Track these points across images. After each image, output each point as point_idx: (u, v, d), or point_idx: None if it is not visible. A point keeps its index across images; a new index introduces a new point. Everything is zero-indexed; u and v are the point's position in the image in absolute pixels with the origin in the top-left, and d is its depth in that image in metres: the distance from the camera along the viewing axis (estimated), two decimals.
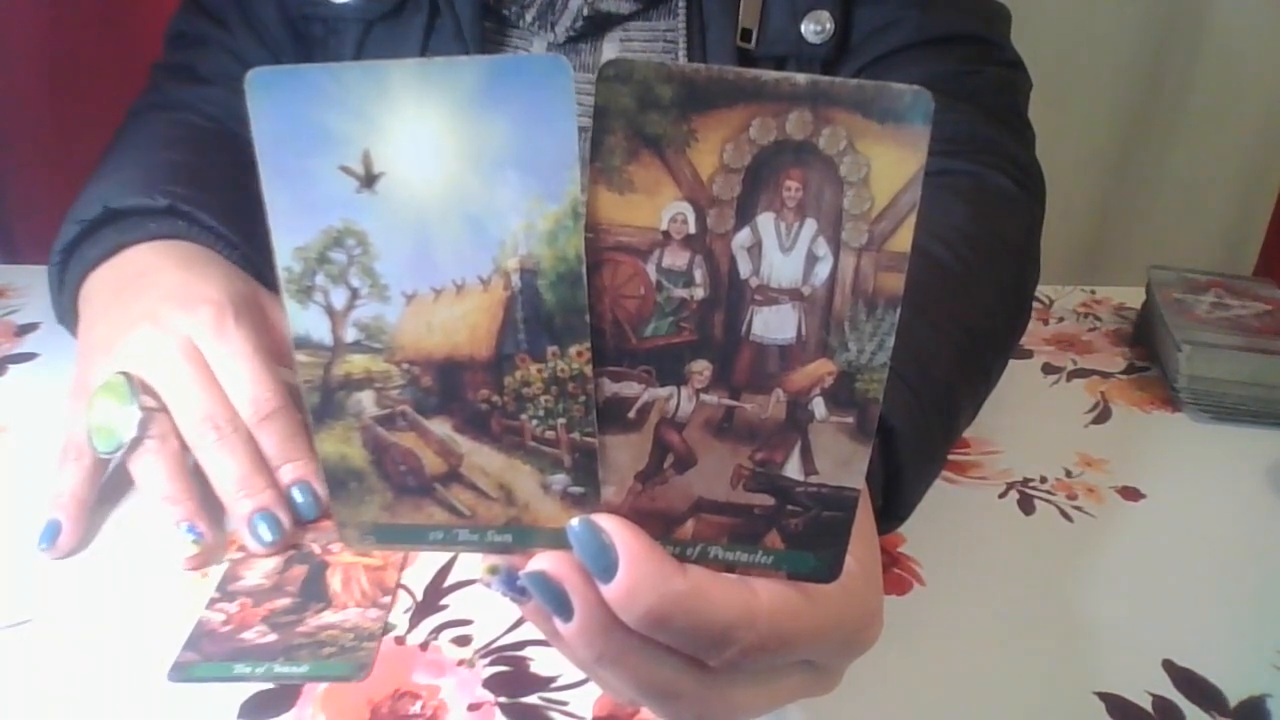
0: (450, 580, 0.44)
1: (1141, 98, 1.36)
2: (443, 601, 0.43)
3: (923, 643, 0.41)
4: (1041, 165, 0.63)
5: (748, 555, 0.26)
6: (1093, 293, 0.79)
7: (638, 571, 0.25)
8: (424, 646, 0.40)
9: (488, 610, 0.42)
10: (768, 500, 0.26)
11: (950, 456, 0.54)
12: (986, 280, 0.51)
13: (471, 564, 0.45)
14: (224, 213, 0.54)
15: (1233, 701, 0.39)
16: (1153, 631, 0.43)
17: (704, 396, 0.24)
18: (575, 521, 0.25)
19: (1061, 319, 0.74)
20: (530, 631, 0.41)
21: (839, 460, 0.25)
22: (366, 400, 0.25)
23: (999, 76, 0.63)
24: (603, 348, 0.24)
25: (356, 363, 0.24)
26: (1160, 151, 1.39)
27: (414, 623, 0.42)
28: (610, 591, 0.25)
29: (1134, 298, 0.74)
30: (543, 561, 0.26)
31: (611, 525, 0.25)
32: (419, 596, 0.43)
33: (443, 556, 0.45)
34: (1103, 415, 0.61)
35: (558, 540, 0.26)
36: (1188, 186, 1.40)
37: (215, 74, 0.65)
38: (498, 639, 0.41)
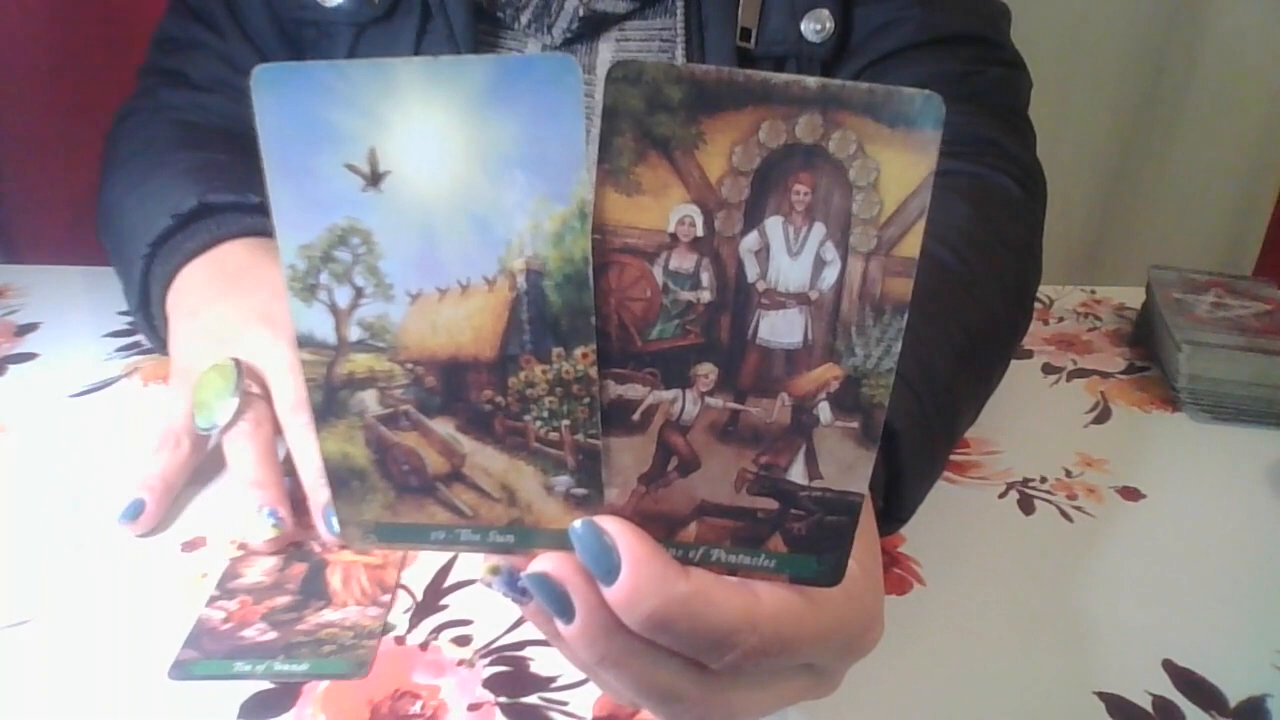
0: (450, 580, 0.44)
1: (1141, 98, 1.36)
2: (443, 601, 0.43)
3: (923, 643, 0.41)
4: (1042, 165, 0.63)
5: (750, 559, 0.26)
6: (1093, 293, 0.79)
7: (640, 574, 0.25)
8: (424, 646, 0.40)
9: (488, 610, 0.42)
10: (771, 504, 0.26)
11: (951, 456, 0.54)
12: (988, 281, 0.51)
13: (472, 564, 0.45)
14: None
15: (1233, 701, 0.39)
16: (1153, 631, 0.43)
17: (709, 400, 0.24)
18: (578, 523, 0.25)
19: (1061, 319, 0.74)
20: (530, 631, 0.41)
21: (843, 465, 0.25)
22: (370, 399, 0.25)
23: (1000, 76, 0.63)
24: (608, 350, 0.24)
25: (360, 362, 0.24)
26: (1160, 151, 1.39)
27: (414, 623, 0.41)
28: (612, 594, 0.25)
29: (1134, 298, 0.75)
30: (545, 563, 0.26)
31: (614, 527, 0.25)
32: (419, 596, 0.43)
33: (443, 556, 0.45)
34: (1103, 415, 0.61)
35: (560, 542, 0.26)
36: (1188, 186, 1.40)
37: (209, 80, 0.65)
38: (498, 639, 0.41)
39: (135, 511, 0.46)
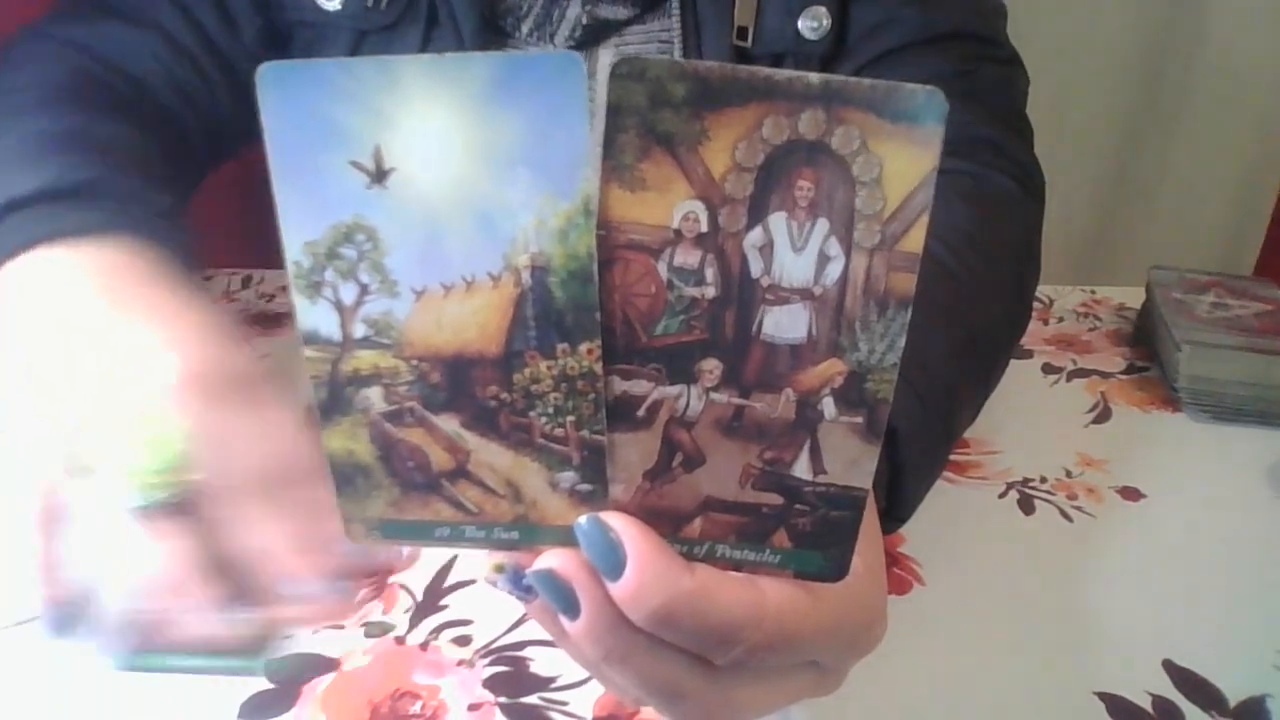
0: (450, 580, 0.44)
1: (1141, 98, 1.36)
2: (443, 601, 0.43)
3: (923, 643, 0.41)
4: (1041, 165, 0.63)
5: (755, 554, 0.26)
6: (1093, 293, 0.79)
7: (646, 570, 0.25)
8: (424, 646, 0.40)
9: (488, 610, 0.42)
10: (776, 499, 0.26)
11: (951, 457, 0.54)
12: (988, 282, 0.51)
13: (472, 564, 0.45)
14: (133, 186, 0.46)
15: (1233, 701, 0.39)
16: (1153, 631, 0.43)
17: (714, 395, 0.24)
18: (583, 519, 0.25)
19: (1061, 319, 0.74)
20: (530, 631, 0.41)
21: (848, 460, 0.25)
22: (374, 396, 0.25)
23: (997, 74, 0.63)
24: (613, 345, 0.24)
25: (365, 359, 0.24)
26: (1160, 151, 1.39)
27: (414, 623, 0.41)
28: (618, 590, 0.25)
29: (1134, 298, 0.75)
30: (550, 559, 0.26)
31: (620, 523, 0.25)
32: (419, 596, 0.43)
33: (443, 556, 0.45)
34: (1103, 415, 0.61)
35: (565, 538, 0.26)
36: (1188, 186, 1.40)
37: (142, 14, 0.57)
38: (498, 639, 0.41)
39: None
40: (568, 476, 0.25)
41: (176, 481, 0.35)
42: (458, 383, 0.24)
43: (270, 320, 0.69)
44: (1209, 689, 0.40)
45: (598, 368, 0.24)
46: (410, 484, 0.26)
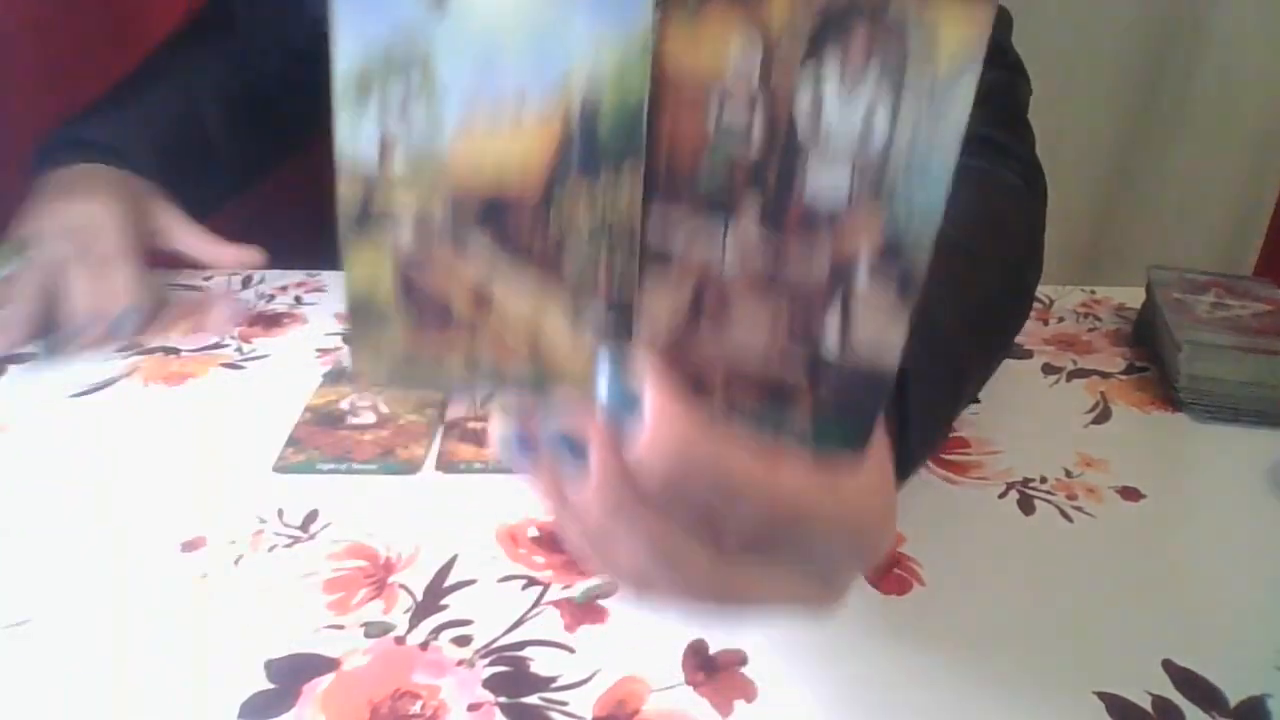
0: (450, 580, 0.44)
1: (1141, 98, 1.36)
2: (443, 602, 0.43)
3: (922, 643, 0.41)
4: (1042, 165, 0.63)
5: (775, 423, 0.26)
6: (1093, 293, 0.79)
7: (665, 416, 0.24)
8: (424, 646, 0.40)
9: (488, 610, 0.42)
10: (801, 368, 0.25)
11: (950, 457, 0.54)
12: (993, 259, 0.51)
13: (472, 564, 0.45)
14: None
15: (1233, 701, 0.39)
16: (1153, 631, 0.43)
17: (749, 253, 0.24)
18: (604, 367, 0.25)
19: (1061, 319, 0.74)
20: (530, 631, 0.41)
21: (876, 332, 0.24)
22: (405, 228, 0.24)
23: (1002, 80, 0.63)
24: (654, 193, 0.23)
25: (400, 190, 0.24)
26: (1160, 151, 1.39)
27: (414, 623, 0.41)
28: (635, 437, 0.24)
29: (1134, 298, 0.74)
30: (561, 411, 0.25)
31: (642, 373, 0.24)
32: (419, 596, 0.43)
33: (443, 557, 0.45)
34: (1103, 415, 0.61)
35: (580, 392, 0.25)
36: (1188, 186, 1.40)
37: (251, 26, 0.81)
38: (498, 639, 0.41)
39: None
40: (592, 323, 0.25)
41: (21, 257, 0.63)
42: (493, 220, 0.24)
43: (270, 321, 0.69)
44: (1209, 689, 0.40)
45: (636, 215, 0.23)
46: (428, 326, 0.25)
